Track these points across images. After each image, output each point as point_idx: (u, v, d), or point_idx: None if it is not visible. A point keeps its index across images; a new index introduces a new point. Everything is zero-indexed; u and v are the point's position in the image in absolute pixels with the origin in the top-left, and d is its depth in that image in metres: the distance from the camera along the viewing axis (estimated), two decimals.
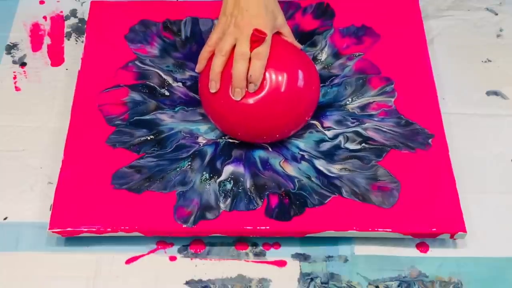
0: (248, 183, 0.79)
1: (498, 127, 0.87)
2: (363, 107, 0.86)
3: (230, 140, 0.83)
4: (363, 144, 0.82)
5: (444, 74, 0.91)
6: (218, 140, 0.83)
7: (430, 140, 0.83)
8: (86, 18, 0.95)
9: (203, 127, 0.84)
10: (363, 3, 0.95)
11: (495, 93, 0.90)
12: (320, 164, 0.81)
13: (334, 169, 0.80)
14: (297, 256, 0.77)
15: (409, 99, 0.86)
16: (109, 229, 0.76)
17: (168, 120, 0.85)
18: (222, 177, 0.80)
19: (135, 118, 0.84)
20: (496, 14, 0.98)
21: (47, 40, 0.94)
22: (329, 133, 0.84)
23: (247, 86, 0.77)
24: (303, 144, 0.83)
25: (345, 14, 0.94)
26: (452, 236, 0.77)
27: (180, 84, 0.88)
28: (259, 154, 0.82)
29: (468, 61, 0.93)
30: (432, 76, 0.88)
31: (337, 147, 0.82)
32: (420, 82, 0.87)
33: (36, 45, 0.94)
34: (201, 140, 0.83)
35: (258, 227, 0.76)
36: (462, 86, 0.91)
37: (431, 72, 0.88)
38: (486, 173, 0.83)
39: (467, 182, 0.82)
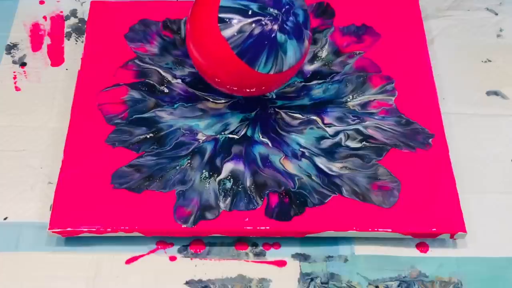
0: (248, 182, 0.79)
1: (498, 127, 0.87)
2: (363, 105, 0.86)
3: (230, 136, 0.83)
4: (364, 143, 0.83)
5: (444, 74, 0.91)
6: (218, 136, 0.83)
7: (430, 140, 0.83)
8: (86, 18, 0.95)
9: (202, 123, 0.84)
10: (363, 3, 0.95)
11: (495, 93, 0.90)
12: (321, 162, 0.81)
13: (335, 167, 0.81)
14: (297, 256, 0.77)
15: (409, 98, 0.86)
16: (109, 229, 0.76)
17: (167, 117, 0.85)
18: (222, 175, 0.80)
19: (134, 116, 0.85)
20: (496, 14, 0.98)
21: (47, 40, 0.94)
22: (330, 130, 0.84)
23: None
24: (303, 140, 0.83)
25: (345, 14, 0.94)
26: (452, 236, 0.77)
27: (179, 80, 0.88)
28: (259, 150, 0.82)
29: (468, 61, 0.93)
30: (432, 76, 0.88)
31: (338, 144, 0.82)
32: (420, 82, 0.88)
33: (36, 45, 0.94)
34: (201, 137, 0.83)
35: (258, 227, 0.76)
36: (462, 86, 0.91)
37: (431, 72, 0.88)
38: (486, 173, 0.83)
39: (467, 182, 0.82)
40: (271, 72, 0.77)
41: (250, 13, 0.75)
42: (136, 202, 0.77)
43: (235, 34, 0.75)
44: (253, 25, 0.75)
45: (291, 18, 0.76)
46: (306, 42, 0.79)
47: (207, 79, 0.82)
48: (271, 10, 0.75)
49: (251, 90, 0.81)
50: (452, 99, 0.89)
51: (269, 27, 0.75)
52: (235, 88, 0.81)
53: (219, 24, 0.75)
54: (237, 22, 0.75)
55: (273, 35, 0.75)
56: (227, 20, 0.75)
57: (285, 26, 0.76)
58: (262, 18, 0.75)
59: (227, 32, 0.75)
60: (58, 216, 0.76)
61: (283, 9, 0.76)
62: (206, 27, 0.77)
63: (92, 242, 0.77)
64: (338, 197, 0.78)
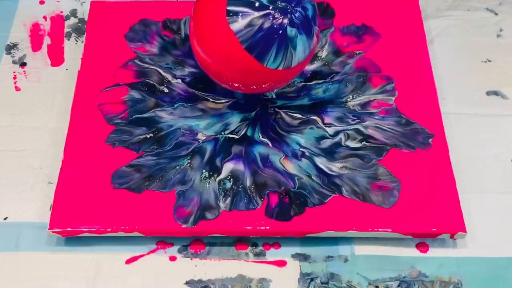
0: (248, 182, 0.79)
1: (498, 127, 0.87)
2: (363, 105, 0.86)
3: (230, 136, 0.83)
4: (364, 142, 0.83)
5: (444, 74, 0.91)
6: (218, 136, 0.83)
7: (430, 140, 0.83)
8: (86, 18, 0.95)
9: (202, 123, 0.84)
10: (362, 3, 0.95)
11: (495, 93, 0.90)
12: (321, 161, 0.81)
13: (335, 167, 0.81)
14: (297, 256, 0.77)
15: (409, 98, 0.86)
16: (109, 229, 0.76)
17: (167, 117, 0.85)
18: (222, 175, 0.80)
19: (134, 116, 0.85)
20: (496, 14, 0.98)
21: (47, 40, 0.94)
22: (330, 130, 0.84)
23: None
24: (303, 140, 0.83)
25: (345, 14, 0.94)
26: (452, 236, 0.77)
27: (179, 80, 0.88)
28: (259, 150, 0.82)
29: (468, 61, 0.93)
30: (432, 76, 0.88)
31: (338, 144, 0.82)
32: (420, 82, 0.88)
33: (36, 45, 0.94)
34: (201, 137, 0.83)
35: (258, 227, 0.76)
36: (462, 86, 0.91)
37: (431, 72, 0.88)
38: (486, 173, 0.83)
39: (467, 182, 0.82)
40: (280, 68, 0.76)
41: (259, 6, 0.73)
42: (136, 202, 0.77)
43: (244, 27, 0.74)
44: (263, 18, 0.73)
45: (300, 12, 0.75)
46: (315, 38, 0.78)
47: (211, 75, 0.81)
48: (281, 3, 0.74)
49: (257, 86, 0.80)
50: (452, 99, 0.89)
51: (279, 21, 0.74)
52: (239, 85, 0.80)
53: (227, 17, 0.74)
54: (246, 15, 0.73)
55: (283, 29, 0.74)
56: (236, 13, 0.74)
57: (295, 20, 0.74)
58: (272, 12, 0.74)
59: (235, 26, 0.74)
60: (58, 216, 0.76)
61: (293, 3, 0.74)
62: (213, 20, 0.75)
63: (92, 242, 0.77)
64: (338, 197, 0.78)
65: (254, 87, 0.81)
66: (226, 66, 0.77)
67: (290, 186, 0.79)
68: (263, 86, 0.80)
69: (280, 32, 0.74)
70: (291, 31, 0.74)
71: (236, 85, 0.80)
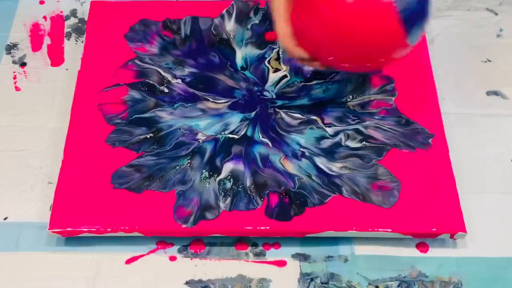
0: (248, 182, 0.79)
1: (498, 127, 0.87)
2: (363, 105, 0.86)
3: (230, 136, 0.83)
4: (364, 142, 0.83)
5: (444, 74, 0.91)
6: (218, 136, 0.83)
7: (430, 140, 0.83)
8: (86, 18, 0.95)
9: (202, 123, 0.84)
10: None
11: (495, 93, 0.90)
12: (321, 161, 0.81)
13: (335, 167, 0.81)
14: (297, 256, 0.77)
15: (409, 98, 0.86)
16: (109, 229, 0.76)
17: (167, 117, 0.85)
18: (222, 175, 0.80)
19: (134, 116, 0.85)
20: (496, 14, 0.98)
21: (47, 40, 0.94)
22: (330, 130, 0.84)
23: None
24: (303, 140, 0.83)
25: None
26: (452, 236, 0.77)
27: (179, 80, 0.88)
28: (259, 150, 0.82)
29: (468, 61, 0.93)
30: (432, 76, 0.88)
31: (338, 144, 0.83)
32: (420, 82, 0.88)
33: (36, 45, 0.94)
34: (201, 137, 0.83)
35: (258, 227, 0.76)
36: (462, 86, 0.91)
37: (431, 72, 0.89)
38: (486, 173, 0.83)
39: (467, 182, 0.82)
40: (414, 44, 0.72)
41: None
42: (136, 202, 0.77)
43: None
44: None
45: None
46: None
47: (327, 52, 0.75)
48: None
49: (382, 62, 0.77)
50: (452, 99, 0.89)
51: None
52: (357, 58, 0.75)
53: None
54: None
55: (428, 1, 0.70)
56: None
57: None
58: None
59: None
60: (58, 216, 0.76)
61: None
62: None
63: (92, 242, 0.77)
64: (338, 197, 0.78)
65: (373, 63, 0.76)
66: (363, 40, 0.71)
67: (290, 186, 0.79)
68: (377, 65, 0.76)
69: (426, 4, 0.71)
70: (430, 5, 0.71)
71: (356, 61, 0.75)
